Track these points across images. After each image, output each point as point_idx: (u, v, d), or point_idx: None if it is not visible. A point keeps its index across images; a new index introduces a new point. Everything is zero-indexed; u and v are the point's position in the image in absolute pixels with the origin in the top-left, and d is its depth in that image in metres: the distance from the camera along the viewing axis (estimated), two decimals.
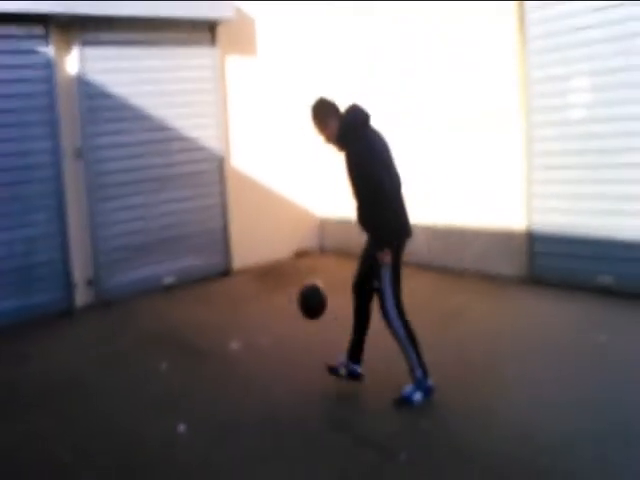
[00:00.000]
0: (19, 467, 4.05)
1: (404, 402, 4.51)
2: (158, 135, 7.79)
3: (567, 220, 6.85)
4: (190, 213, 8.11)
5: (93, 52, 7.24)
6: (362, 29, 8.72)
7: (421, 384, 4.53)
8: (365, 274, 4.70)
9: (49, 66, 6.93)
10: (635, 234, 6.35)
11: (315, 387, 4.89)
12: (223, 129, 8.38)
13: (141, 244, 7.72)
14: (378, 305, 4.60)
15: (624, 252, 6.43)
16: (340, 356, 4.87)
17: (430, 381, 4.57)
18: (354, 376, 4.82)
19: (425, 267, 8.05)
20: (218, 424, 4.41)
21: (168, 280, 7.93)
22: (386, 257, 4.44)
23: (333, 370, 4.87)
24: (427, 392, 4.55)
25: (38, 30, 6.86)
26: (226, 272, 8.47)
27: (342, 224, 8.67)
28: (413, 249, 8.17)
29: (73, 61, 7.12)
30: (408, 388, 4.55)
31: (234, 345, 5.90)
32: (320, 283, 4.89)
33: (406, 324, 4.53)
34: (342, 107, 4.64)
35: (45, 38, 6.90)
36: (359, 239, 4.90)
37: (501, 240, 7.38)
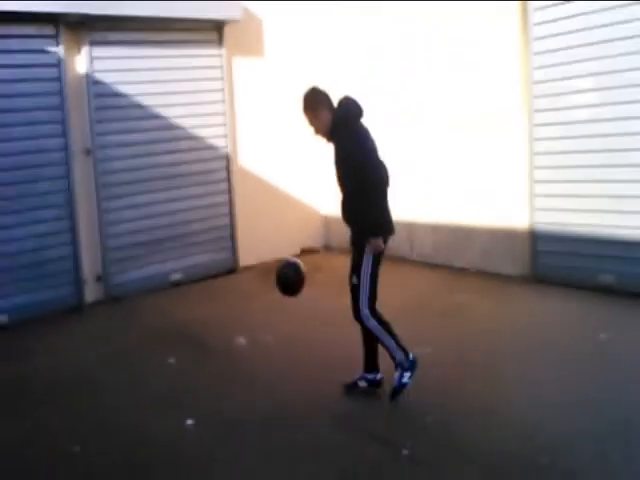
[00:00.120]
0: (28, 463, 4.10)
1: (397, 391, 4.54)
2: (166, 134, 7.87)
3: (569, 219, 6.90)
4: (197, 211, 8.19)
5: (102, 51, 7.32)
6: (363, 29, 8.77)
7: (404, 365, 4.53)
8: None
9: (59, 65, 7.01)
10: (637, 233, 6.40)
11: (319, 384, 4.93)
12: (230, 128, 8.45)
13: (149, 241, 7.81)
14: (352, 301, 4.57)
15: (626, 251, 6.48)
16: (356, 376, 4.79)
17: (411, 355, 4.56)
18: (375, 384, 4.74)
19: (428, 265, 8.14)
20: (223, 421, 4.47)
21: (175, 277, 8.03)
22: (378, 242, 4.40)
23: (352, 386, 4.77)
24: (412, 367, 4.54)
25: (48, 30, 6.94)
26: (232, 269, 8.55)
27: None
28: (415, 246, 8.35)
29: (82, 60, 7.20)
30: (396, 376, 4.56)
31: (241, 340, 5.98)
32: (299, 261, 4.81)
33: (380, 319, 4.51)
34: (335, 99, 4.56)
35: (55, 38, 6.97)
36: None
37: (504, 239, 7.44)
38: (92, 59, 7.25)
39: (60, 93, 7.03)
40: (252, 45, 8.68)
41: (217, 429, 4.36)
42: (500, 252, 7.51)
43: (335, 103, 4.58)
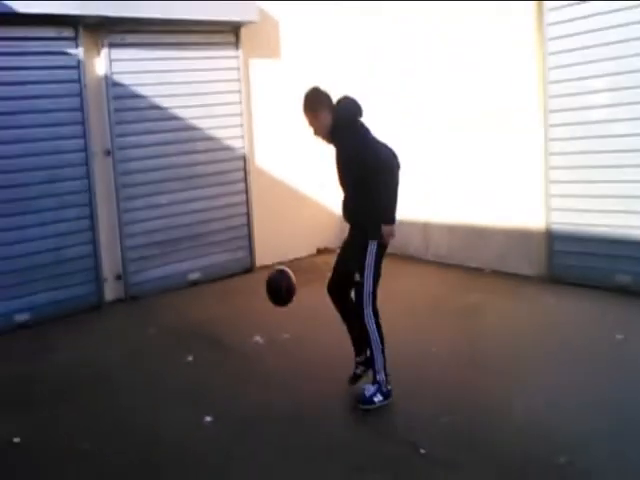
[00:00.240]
0: (43, 460, 4.15)
1: (365, 402, 4.48)
2: (184, 135, 7.95)
3: (586, 219, 6.88)
4: (214, 211, 8.26)
5: (121, 53, 7.40)
6: (363, 29, 8.82)
7: (382, 388, 4.49)
8: (344, 274, 4.61)
9: (79, 67, 7.09)
10: None
11: (334, 383, 4.94)
12: (247, 129, 8.51)
13: (167, 241, 7.89)
14: (355, 300, 4.53)
15: None
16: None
17: (389, 386, 4.51)
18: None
19: (444, 265, 8.15)
20: (240, 419, 4.50)
21: (193, 276, 8.11)
22: (389, 230, 4.34)
23: (355, 378, 4.80)
24: (386, 396, 4.50)
25: (68, 32, 7.02)
26: (249, 269, 8.62)
27: None
28: (431, 247, 8.35)
29: (101, 62, 7.29)
30: (372, 389, 4.50)
31: (258, 339, 6.03)
32: (287, 269, 4.78)
33: (379, 325, 4.48)
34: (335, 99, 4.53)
35: (75, 40, 7.05)
36: None
37: (520, 239, 7.44)
38: (111, 61, 7.33)
39: (80, 94, 7.12)
40: (269, 46, 8.73)
41: (234, 427, 4.40)
42: (516, 252, 7.51)
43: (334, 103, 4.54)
